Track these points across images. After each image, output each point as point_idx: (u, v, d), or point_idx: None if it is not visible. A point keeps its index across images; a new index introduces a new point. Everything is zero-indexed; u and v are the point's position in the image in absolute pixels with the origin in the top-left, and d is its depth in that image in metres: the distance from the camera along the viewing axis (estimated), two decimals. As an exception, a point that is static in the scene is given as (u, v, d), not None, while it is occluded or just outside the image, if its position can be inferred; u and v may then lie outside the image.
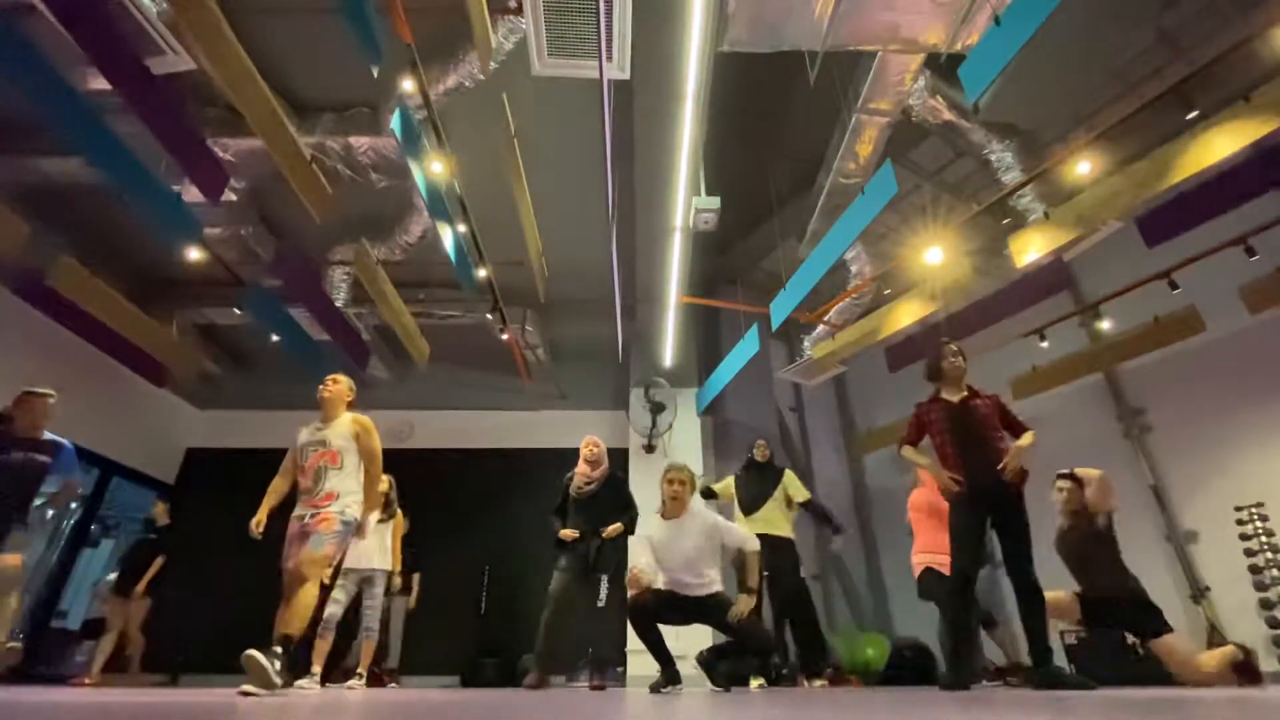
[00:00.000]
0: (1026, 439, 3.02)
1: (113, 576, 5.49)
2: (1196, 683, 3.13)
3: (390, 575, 4.61)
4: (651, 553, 3.36)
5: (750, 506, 4.52)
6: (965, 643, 2.98)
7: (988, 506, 2.99)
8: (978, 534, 3.00)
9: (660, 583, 3.35)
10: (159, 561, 5.40)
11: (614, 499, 4.09)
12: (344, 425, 3.17)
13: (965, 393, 3.25)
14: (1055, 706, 1.67)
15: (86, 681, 5.00)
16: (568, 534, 3.95)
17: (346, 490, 3.01)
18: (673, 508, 3.38)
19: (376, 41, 3.32)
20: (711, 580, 3.27)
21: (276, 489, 3.17)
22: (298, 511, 2.97)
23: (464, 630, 6.58)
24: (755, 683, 3.94)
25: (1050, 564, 3.32)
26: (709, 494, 4.85)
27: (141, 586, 5.28)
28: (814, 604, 4.65)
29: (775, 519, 4.45)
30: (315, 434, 3.16)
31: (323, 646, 4.06)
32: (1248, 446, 5.06)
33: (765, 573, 4.18)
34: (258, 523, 3.02)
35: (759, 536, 4.16)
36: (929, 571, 3.86)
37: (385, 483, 4.53)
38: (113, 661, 5.21)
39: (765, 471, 4.66)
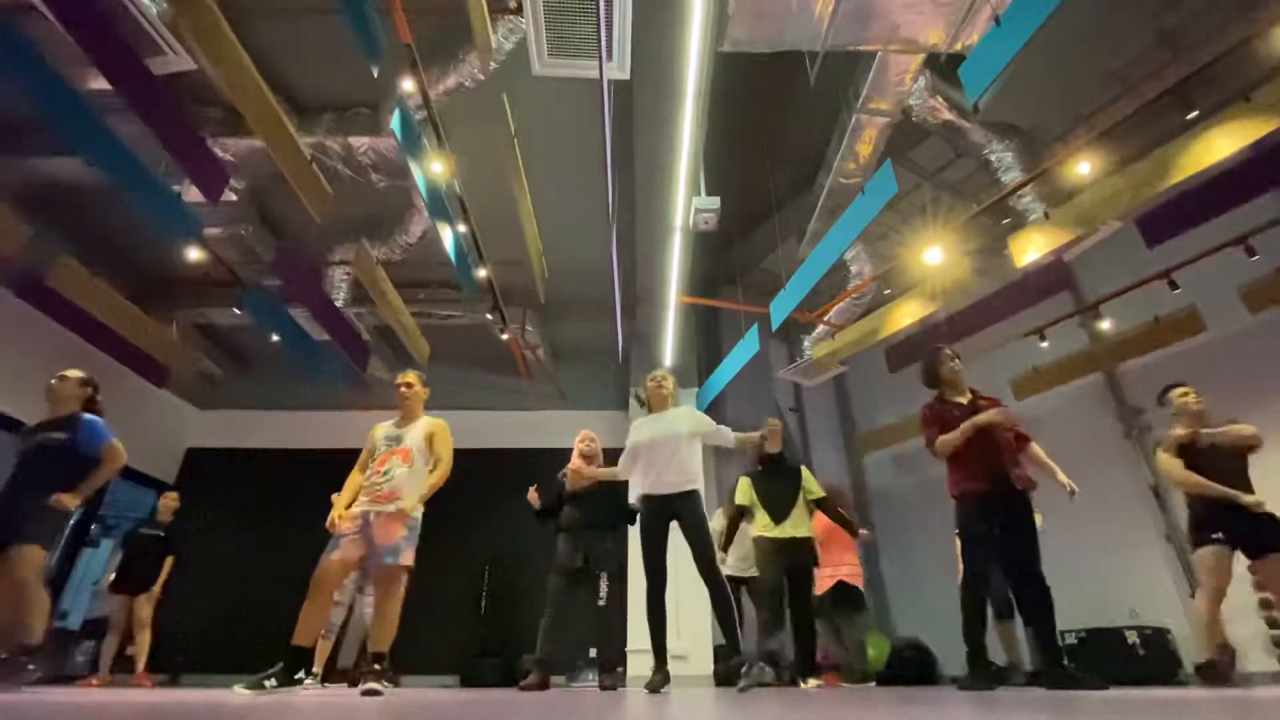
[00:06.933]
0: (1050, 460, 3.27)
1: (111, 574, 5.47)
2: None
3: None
4: (634, 457, 3.38)
5: (778, 513, 4.19)
6: (981, 644, 2.98)
7: (999, 508, 3.01)
8: (990, 535, 3.02)
9: (643, 487, 3.32)
10: (170, 561, 5.34)
11: (610, 498, 4.06)
12: (421, 428, 3.21)
13: (970, 395, 3.27)
14: (1056, 706, 1.67)
15: (94, 682, 5.00)
16: (533, 496, 3.99)
17: (410, 490, 3.03)
18: (656, 402, 3.45)
19: (376, 41, 3.32)
20: (693, 478, 3.26)
21: (353, 484, 3.14)
22: (359, 507, 2.97)
23: (463, 630, 6.58)
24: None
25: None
26: (743, 513, 4.43)
27: (158, 587, 5.23)
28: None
29: (801, 522, 4.20)
30: (393, 431, 3.19)
31: (324, 648, 4.06)
32: (1248, 446, 5.06)
33: (786, 577, 4.09)
34: (338, 518, 2.97)
35: (788, 540, 4.08)
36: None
37: None
38: (116, 661, 5.19)
39: (783, 470, 4.33)
